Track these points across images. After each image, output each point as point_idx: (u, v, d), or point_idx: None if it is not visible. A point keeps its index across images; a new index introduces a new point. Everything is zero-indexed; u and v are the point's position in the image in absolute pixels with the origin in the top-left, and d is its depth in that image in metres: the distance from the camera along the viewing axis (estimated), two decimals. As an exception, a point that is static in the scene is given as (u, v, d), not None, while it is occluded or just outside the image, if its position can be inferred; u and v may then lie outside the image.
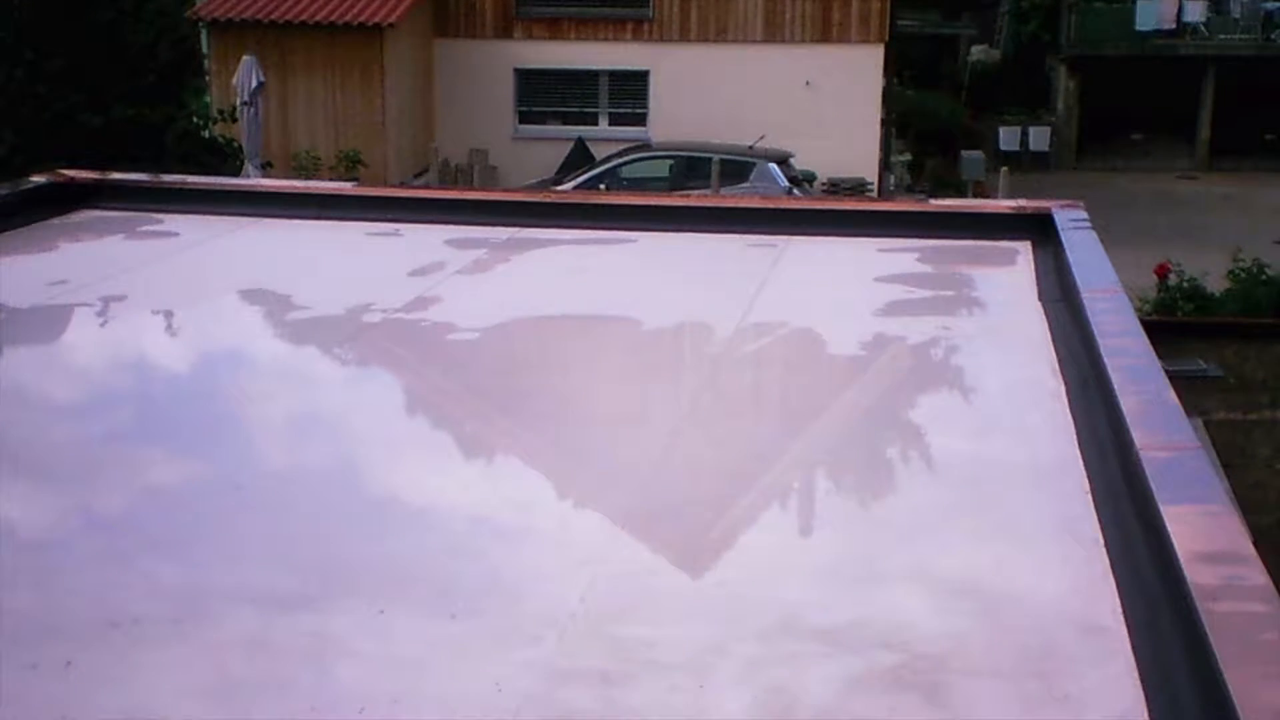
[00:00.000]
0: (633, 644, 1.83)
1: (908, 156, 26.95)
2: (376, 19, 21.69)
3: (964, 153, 26.54)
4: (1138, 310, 3.21)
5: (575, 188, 17.97)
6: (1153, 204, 22.49)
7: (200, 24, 20.91)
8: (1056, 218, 4.14)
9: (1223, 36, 30.31)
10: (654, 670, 1.75)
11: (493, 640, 1.84)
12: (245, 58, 17.65)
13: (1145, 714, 1.62)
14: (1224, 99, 29.34)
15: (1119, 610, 1.86)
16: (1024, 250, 4.14)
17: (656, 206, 4.93)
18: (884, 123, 23.91)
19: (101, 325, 3.57)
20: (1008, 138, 29.13)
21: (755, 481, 2.50)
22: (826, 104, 22.55)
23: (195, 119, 16.73)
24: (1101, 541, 2.08)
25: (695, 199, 7.31)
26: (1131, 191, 20.54)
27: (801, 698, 1.70)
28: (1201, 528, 1.92)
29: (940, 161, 26.61)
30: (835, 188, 21.58)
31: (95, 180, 4.83)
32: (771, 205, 5.46)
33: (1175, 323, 14.11)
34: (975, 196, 21.38)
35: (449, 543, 2.20)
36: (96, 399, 3.00)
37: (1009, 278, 3.90)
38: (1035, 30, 32.48)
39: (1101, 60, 29.64)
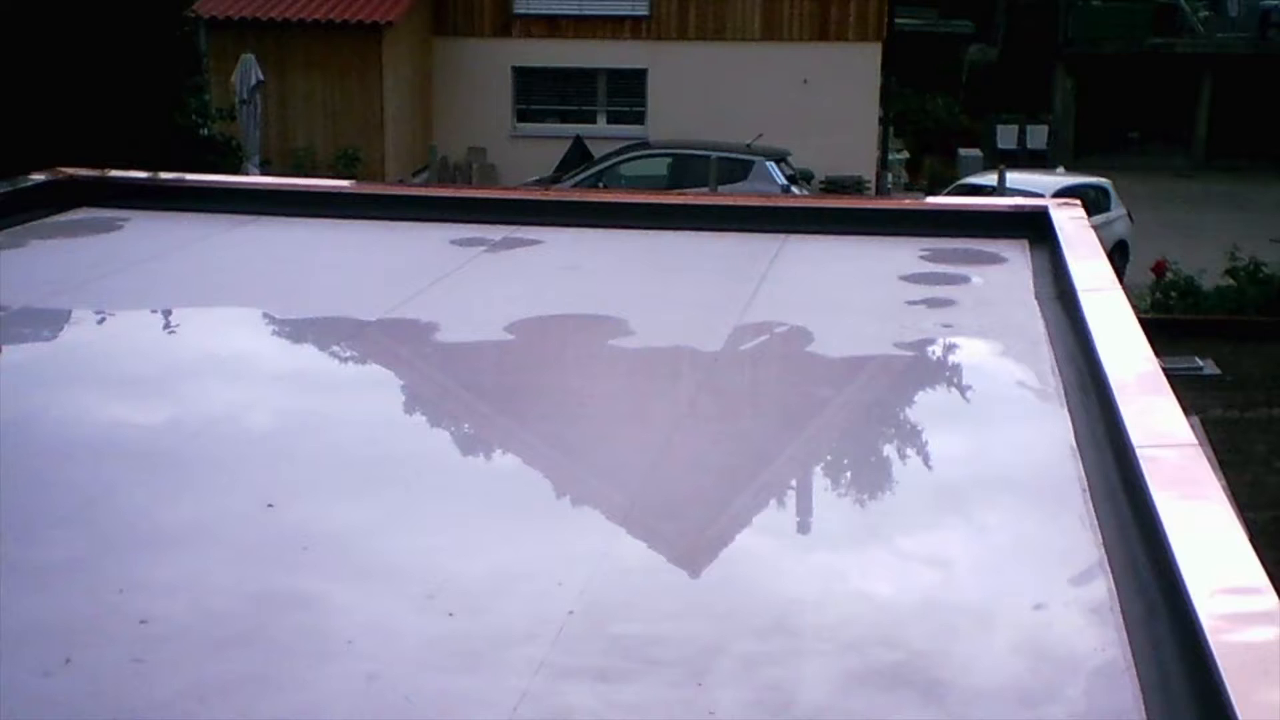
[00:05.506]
0: (630, 641, 1.84)
1: (905, 155, 26.93)
2: (375, 17, 21.69)
3: (961, 151, 26.50)
4: (1134, 308, 3.21)
5: (573, 186, 17.95)
6: (1150, 202, 22.43)
7: (199, 21, 20.87)
8: (1053, 215, 4.14)
9: (1220, 35, 30.30)
10: (652, 668, 1.76)
11: (491, 638, 1.84)
12: (244, 56, 17.62)
13: (1143, 713, 1.62)
14: (1221, 97, 29.34)
15: (1117, 609, 1.86)
16: (1021, 248, 4.14)
17: (654, 205, 4.94)
18: (882, 121, 23.90)
19: (99, 323, 3.57)
20: (1005, 136, 29.06)
21: (753, 480, 2.50)
22: (824, 102, 22.53)
23: (194, 117, 16.69)
24: (1100, 540, 2.08)
25: (693, 197, 7.32)
26: (1129, 190, 20.49)
27: (798, 695, 1.70)
28: (1199, 525, 1.92)
29: (938, 160, 26.57)
30: (833, 186, 21.56)
31: (94, 178, 4.82)
32: (769, 204, 5.47)
33: (1172, 320, 14.11)
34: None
35: (447, 540, 2.20)
36: (94, 396, 3.00)
37: (1005, 276, 3.90)
38: (1033, 29, 32.45)
39: (1099, 59, 29.62)
